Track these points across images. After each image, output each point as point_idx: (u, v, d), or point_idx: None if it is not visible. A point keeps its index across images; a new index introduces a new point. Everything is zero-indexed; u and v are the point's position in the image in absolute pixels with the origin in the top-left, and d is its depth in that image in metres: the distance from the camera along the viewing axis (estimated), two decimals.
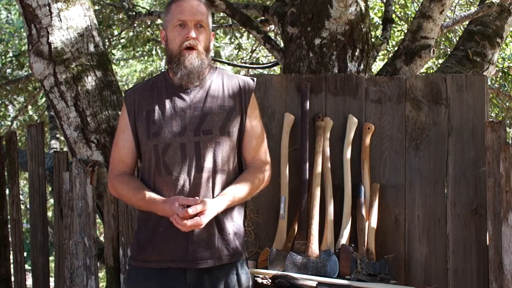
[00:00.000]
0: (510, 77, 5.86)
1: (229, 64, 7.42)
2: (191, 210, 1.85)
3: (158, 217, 1.99)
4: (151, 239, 2.03)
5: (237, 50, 7.99)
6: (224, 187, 2.01)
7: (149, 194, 1.98)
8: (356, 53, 3.36)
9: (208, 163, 1.99)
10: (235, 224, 2.07)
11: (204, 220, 1.88)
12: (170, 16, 2.09)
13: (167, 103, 2.06)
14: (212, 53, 2.48)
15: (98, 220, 3.38)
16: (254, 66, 6.44)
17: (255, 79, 2.18)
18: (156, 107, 2.06)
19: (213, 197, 1.98)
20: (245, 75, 3.08)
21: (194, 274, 1.99)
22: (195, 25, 2.06)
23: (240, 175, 2.08)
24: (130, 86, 8.65)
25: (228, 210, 2.03)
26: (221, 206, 1.95)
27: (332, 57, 3.31)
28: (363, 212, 2.82)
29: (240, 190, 2.02)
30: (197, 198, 1.90)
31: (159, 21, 6.28)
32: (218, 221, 2.01)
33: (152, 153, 2.03)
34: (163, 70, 2.40)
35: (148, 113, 2.07)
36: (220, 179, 2.01)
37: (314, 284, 2.60)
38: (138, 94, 2.13)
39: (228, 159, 2.04)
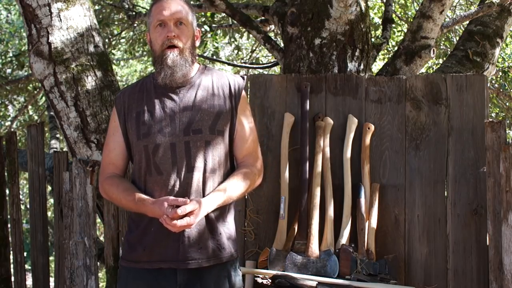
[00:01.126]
0: (510, 77, 5.87)
1: (229, 64, 7.42)
2: (180, 211, 1.83)
3: (149, 218, 1.97)
4: (142, 240, 2.01)
5: (237, 51, 7.99)
6: (215, 187, 1.99)
7: (139, 196, 1.96)
8: (356, 53, 3.35)
9: (198, 163, 1.98)
10: (226, 224, 2.05)
11: (195, 220, 1.86)
12: (151, 17, 2.09)
13: (157, 104, 2.05)
14: (198, 51, 2.46)
15: (98, 220, 3.38)
16: (254, 66, 6.45)
17: (245, 77, 2.16)
18: (146, 108, 2.05)
19: (204, 197, 1.96)
20: (245, 75, 3.08)
21: (184, 274, 1.97)
22: (175, 24, 2.05)
23: (232, 174, 2.05)
24: None
25: (220, 210, 2.01)
26: (212, 206, 1.93)
27: (332, 57, 3.31)
28: (363, 212, 2.82)
29: (231, 189, 1.99)
30: (187, 198, 1.89)
31: None
32: (209, 221, 1.99)
33: (143, 154, 2.02)
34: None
35: (138, 114, 2.05)
36: (211, 178, 1.99)
37: (314, 284, 2.60)
38: (128, 96, 2.12)
39: (219, 158, 2.02)
